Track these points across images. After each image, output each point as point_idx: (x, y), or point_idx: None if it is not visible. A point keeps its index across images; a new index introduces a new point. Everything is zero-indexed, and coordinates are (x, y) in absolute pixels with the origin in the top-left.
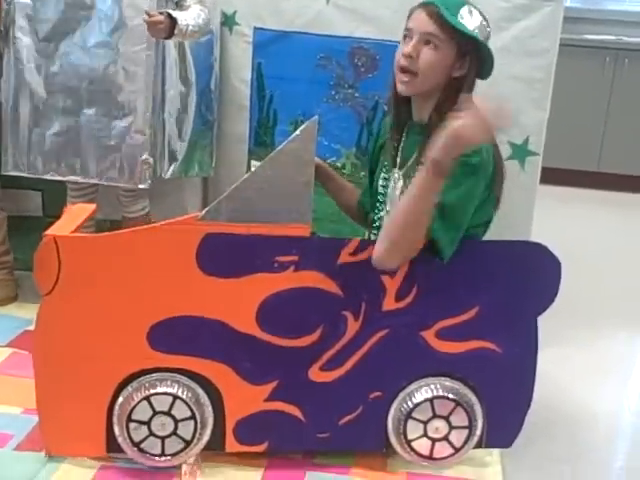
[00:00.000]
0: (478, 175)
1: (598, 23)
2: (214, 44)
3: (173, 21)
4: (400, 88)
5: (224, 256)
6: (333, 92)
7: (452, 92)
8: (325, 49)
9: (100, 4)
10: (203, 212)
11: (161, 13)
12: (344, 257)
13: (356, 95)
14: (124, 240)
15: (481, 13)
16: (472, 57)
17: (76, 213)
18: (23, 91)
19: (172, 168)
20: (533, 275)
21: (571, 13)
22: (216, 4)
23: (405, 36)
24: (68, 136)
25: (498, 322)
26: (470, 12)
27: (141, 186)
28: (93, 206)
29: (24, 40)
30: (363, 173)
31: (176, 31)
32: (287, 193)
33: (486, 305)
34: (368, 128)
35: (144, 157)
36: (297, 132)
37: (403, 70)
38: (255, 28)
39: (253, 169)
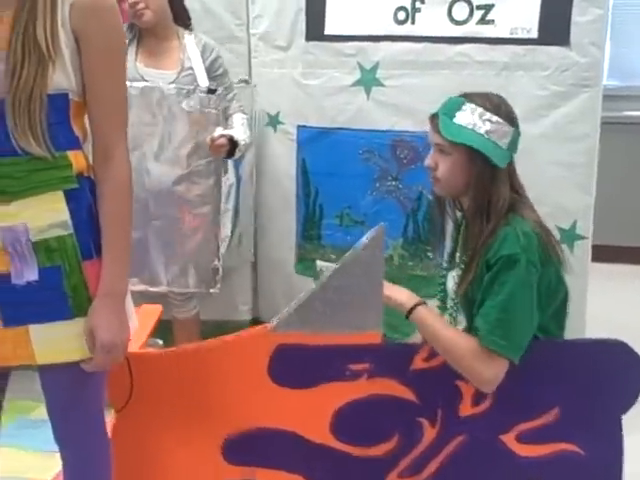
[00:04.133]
0: (518, 267)
1: (638, 99)
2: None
3: (234, 143)
4: (434, 188)
5: (296, 367)
6: (377, 184)
7: (483, 185)
8: (367, 143)
9: (165, 125)
10: (274, 323)
11: (223, 136)
12: (417, 363)
13: (400, 187)
14: (196, 354)
15: (487, 100)
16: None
17: (145, 316)
18: None
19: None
20: (614, 374)
21: (610, 92)
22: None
23: None
24: (137, 248)
25: (580, 423)
26: (468, 110)
27: (212, 290)
28: (160, 308)
29: None
30: (411, 263)
31: (237, 152)
32: (357, 302)
33: (567, 406)
34: (413, 219)
35: (214, 264)
36: (364, 239)
37: (431, 176)
38: (298, 126)
39: (318, 269)
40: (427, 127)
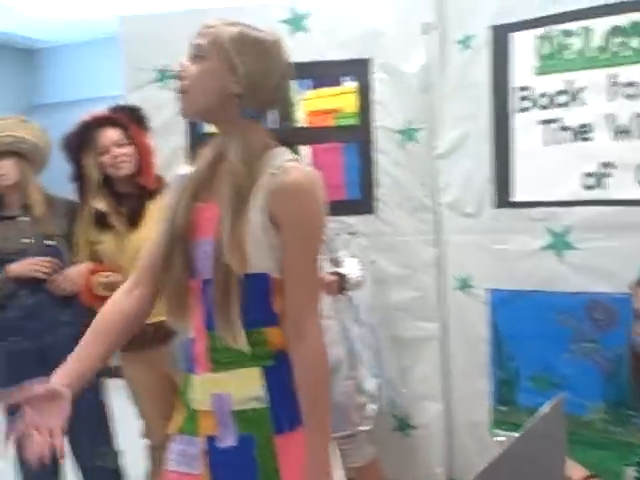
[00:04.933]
0: None
1: None
2: None
3: (342, 278)
4: None
5: None
6: (573, 346)
7: None
8: (561, 305)
9: None
10: None
11: (331, 273)
12: None
13: (598, 349)
14: None
15: None
16: None
17: None
18: None
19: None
20: None
21: None
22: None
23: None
24: None
25: None
26: None
27: (362, 429)
28: None
29: None
30: (614, 428)
31: (348, 286)
32: (539, 475)
33: None
34: (614, 381)
35: (359, 401)
36: (543, 409)
37: None
38: (489, 289)
39: (496, 440)
40: (623, 289)
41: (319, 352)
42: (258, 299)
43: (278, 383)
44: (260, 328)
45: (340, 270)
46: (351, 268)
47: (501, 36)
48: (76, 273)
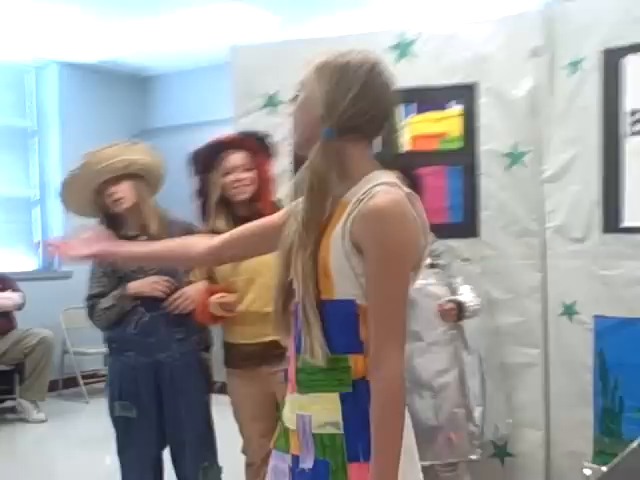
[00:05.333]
0: None
1: None
2: None
3: (461, 306)
4: None
5: None
6: None
7: None
8: None
9: None
10: None
11: (450, 301)
12: None
13: None
14: None
15: None
16: None
17: None
18: None
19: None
20: None
21: None
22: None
23: None
24: None
25: None
26: None
27: (473, 457)
28: None
29: None
30: None
31: (466, 314)
32: None
33: None
34: None
35: (470, 429)
36: (635, 445)
37: None
38: (595, 316)
39: (584, 471)
40: None
41: (393, 383)
42: (344, 325)
43: (355, 410)
44: (344, 354)
45: (459, 298)
46: (468, 296)
47: (613, 60)
48: (194, 291)
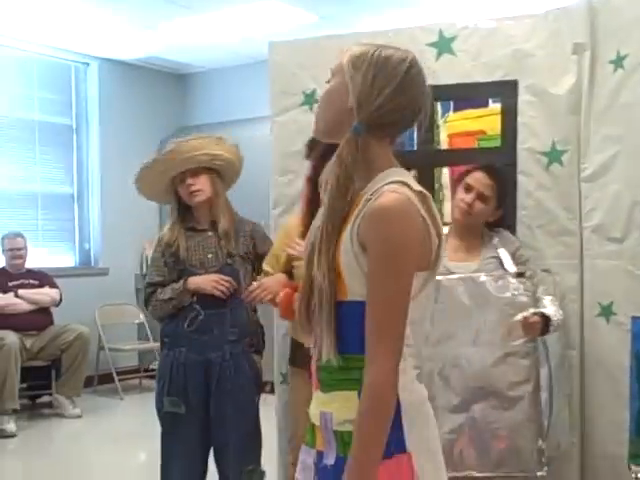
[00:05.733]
0: None
1: None
2: None
3: (546, 318)
4: None
5: None
6: None
7: None
8: None
9: (478, 311)
10: None
11: (535, 314)
12: None
13: None
14: None
15: None
16: None
17: None
18: None
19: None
20: None
21: None
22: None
23: None
24: (459, 433)
25: None
26: None
27: (539, 474)
28: None
29: None
30: None
31: (551, 328)
32: None
33: None
34: None
35: (539, 444)
36: None
37: None
38: (633, 317)
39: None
40: None
41: (379, 382)
42: (356, 325)
43: None
44: (359, 354)
45: (544, 311)
46: (552, 309)
47: None
48: (273, 283)
